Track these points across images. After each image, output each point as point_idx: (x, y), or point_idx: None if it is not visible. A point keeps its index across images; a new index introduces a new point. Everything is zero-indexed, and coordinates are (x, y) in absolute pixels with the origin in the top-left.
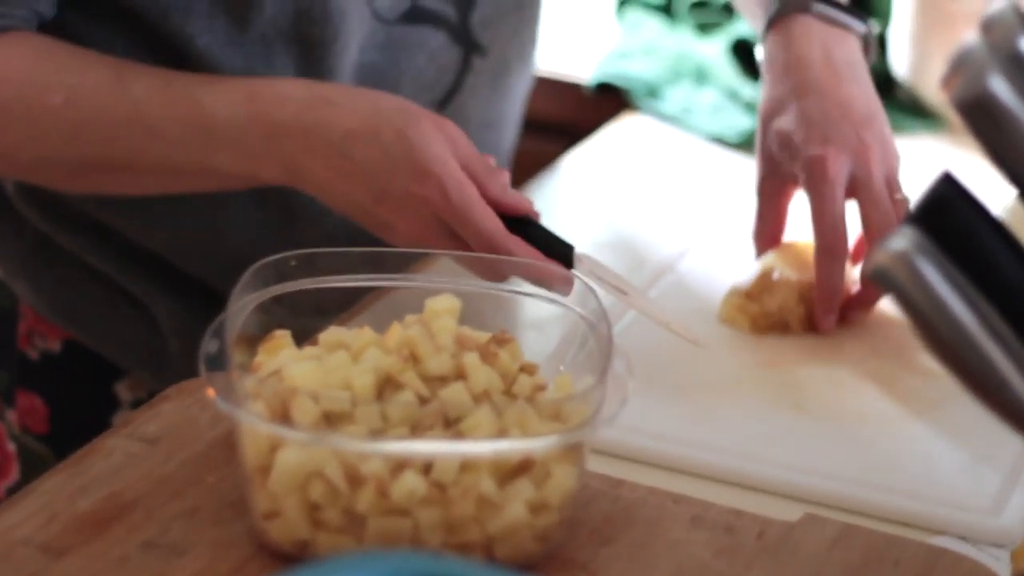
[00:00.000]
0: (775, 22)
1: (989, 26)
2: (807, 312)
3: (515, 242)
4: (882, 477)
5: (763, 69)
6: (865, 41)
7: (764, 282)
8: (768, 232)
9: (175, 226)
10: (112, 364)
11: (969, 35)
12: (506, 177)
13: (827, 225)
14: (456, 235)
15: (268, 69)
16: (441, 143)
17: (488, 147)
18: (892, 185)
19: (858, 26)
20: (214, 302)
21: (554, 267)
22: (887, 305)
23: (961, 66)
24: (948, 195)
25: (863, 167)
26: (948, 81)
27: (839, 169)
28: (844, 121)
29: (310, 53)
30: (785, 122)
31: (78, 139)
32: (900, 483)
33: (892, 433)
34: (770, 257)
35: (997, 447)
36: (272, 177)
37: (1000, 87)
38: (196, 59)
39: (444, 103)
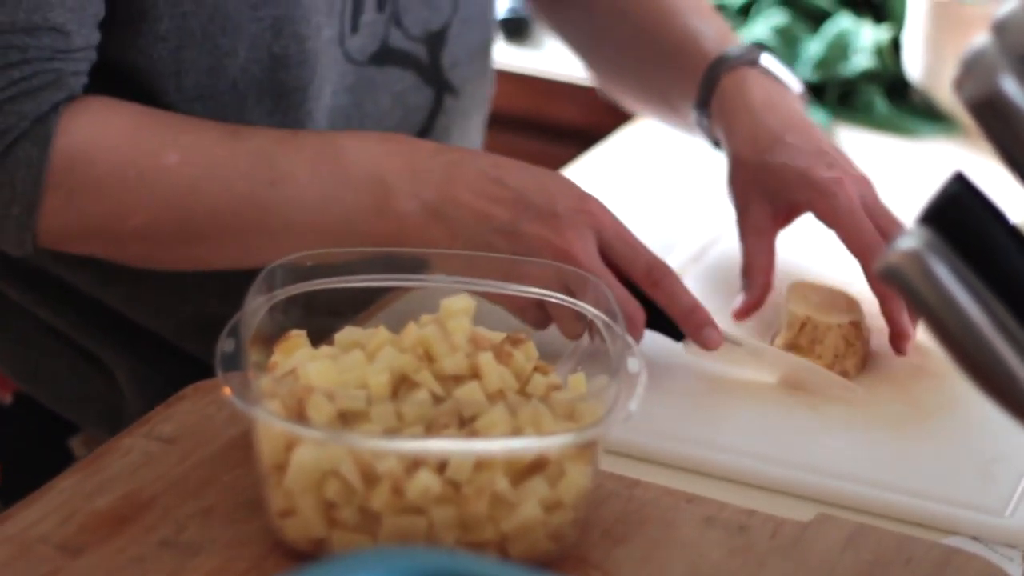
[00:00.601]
0: (724, 75)
1: (1001, 27)
2: (862, 354)
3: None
4: (895, 477)
5: (721, 114)
6: (802, 100)
7: (808, 333)
8: (763, 266)
9: (133, 279)
10: (65, 418)
11: (980, 36)
12: None
13: (866, 233)
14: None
15: (240, 120)
16: None
17: None
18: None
19: (796, 85)
20: (175, 358)
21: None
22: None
23: (972, 66)
24: (959, 194)
25: (869, 193)
26: (959, 81)
27: (854, 190)
28: (835, 152)
29: (285, 99)
30: (781, 155)
31: (196, 196)
32: (912, 483)
33: (905, 434)
34: (793, 305)
35: (1010, 447)
36: (402, 211)
37: (1011, 87)
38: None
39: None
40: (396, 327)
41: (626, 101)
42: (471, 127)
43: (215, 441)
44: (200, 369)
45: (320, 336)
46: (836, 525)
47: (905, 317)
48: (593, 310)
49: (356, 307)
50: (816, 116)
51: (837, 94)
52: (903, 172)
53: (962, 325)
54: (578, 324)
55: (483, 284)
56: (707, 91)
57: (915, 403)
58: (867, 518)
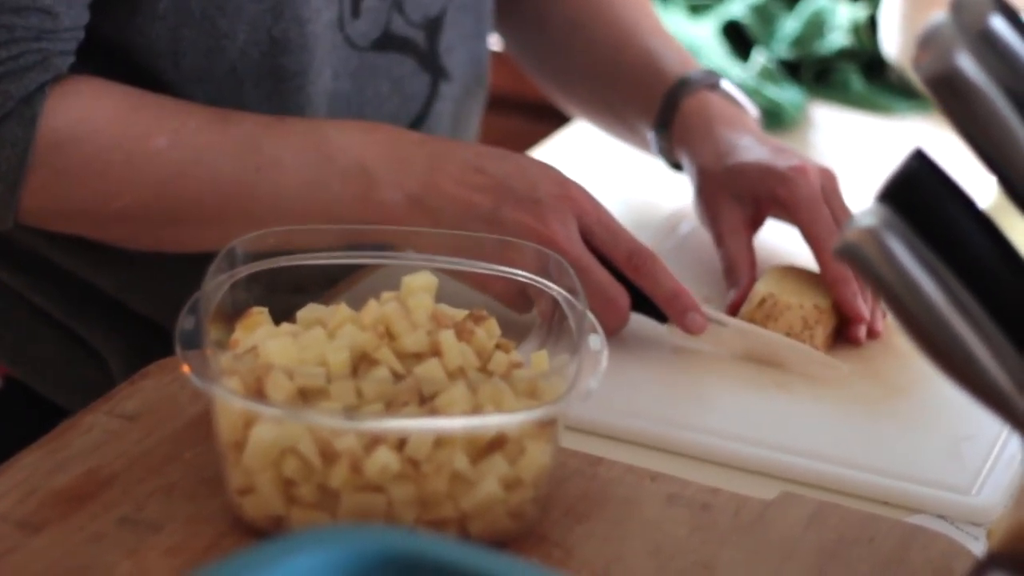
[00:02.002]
0: (686, 98)
1: (959, 4)
2: (823, 337)
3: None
4: (862, 455)
5: (685, 134)
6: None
7: (766, 309)
8: (744, 263)
9: (127, 264)
10: (56, 404)
11: (938, 13)
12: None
13: (823, 220)
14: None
15: (238, 104)
16: None
17: None
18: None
19: (753, 110)
20: (169, 345)
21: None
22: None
23: (929, 43)
24: (918, 172)
25: (830, 183)
26: (917, 58)
27: (816, 179)
28: (795, 152)
29: (283, 84)
30: (742, 156)
31: (182, 180)
32: (879, 461)
33: (873, 412)
34: (762, 284)
35: (977, 426)
36: (386, 201)
37: (967, 64)
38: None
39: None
40: (360, 306)
41: (579, 116)
42: (467, 113)
43: (178, 419)
44: None
45: (284, 314)
46: (799, 503)
47: (859, 302)
48: (555, 287)
49: (320, 285)
50: (792, 94)
51: (813, 72)
52: (879, 150)
53: (919, 304)
54: (555, 305)
55: (450, 262)
56: (668, 113)
57: (883, 381)
58: (833, 496)
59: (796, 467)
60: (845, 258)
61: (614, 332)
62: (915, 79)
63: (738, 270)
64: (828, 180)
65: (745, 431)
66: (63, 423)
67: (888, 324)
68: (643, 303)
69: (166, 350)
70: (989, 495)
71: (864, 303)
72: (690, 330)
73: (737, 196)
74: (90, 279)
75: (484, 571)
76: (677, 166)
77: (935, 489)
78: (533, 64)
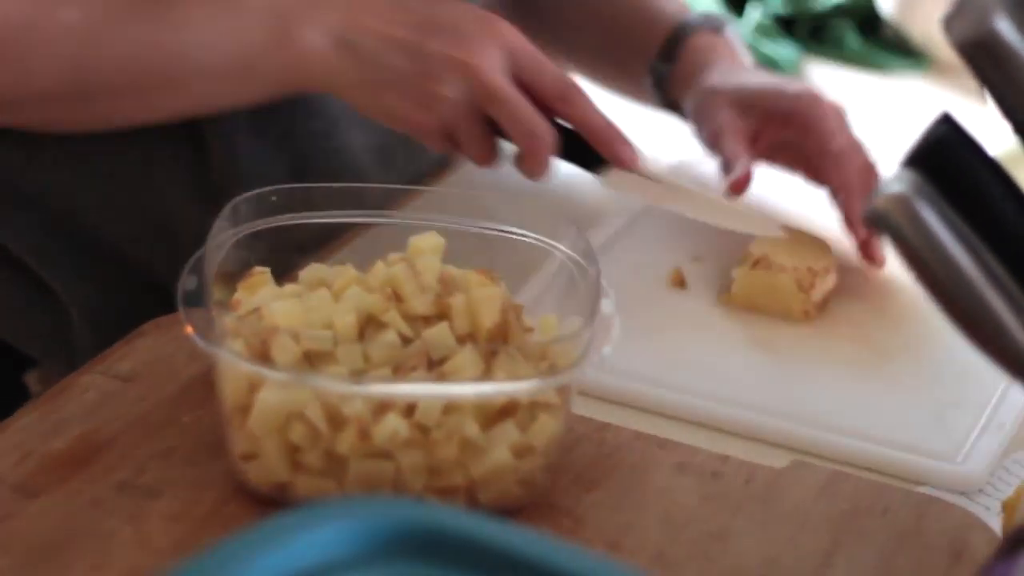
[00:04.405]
0: (692, 35)
1: None
2: (817, 299)
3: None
4: (844, 420)
5: (691, 64)
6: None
7: (760, 270)
8: (740, 151)
9: (109, 176)
10: (21, 353)
11: None
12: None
13: (841, 133)
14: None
15: None
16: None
17: None
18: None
19: (748, 58)
20: (133, 290)
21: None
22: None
23: (964, 5)
24: (947, 137)
25: (842, 117)
26: (949, 20)
27: (830, 107)
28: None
29: None
30: (756, 79)
31: (98, 50)
32: (861, 427)
33: (857, 377)
34: (757, 246)
35: (961, 394)
36: (306, 41)
37: (1005, 27)
38: None
39: None
40: (361, 263)
41: (573, 67)
42: None
43: (175, 380)
44: (159, 305)
45: (284, 272)
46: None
47: (854, 177)
48: (566, 250)
49: (321, 242)
50: (787, 50)
51: (808, 28)
52: (874, 107)
53: (950, 272)
54: (490, 152)
55: (454, 221)
56: (673, 48)
57: (873, 347)
58: (810, 459)
59: (772, 428)
60: (874, 225)
61: (539, 174)
62: (917, 36)
63: (734, 158)
64: (839, 111)
65: (749, 398)
66: (57, 384)
67: (880, 288)
68: (572, 151)
69: (132, 294)
70: (975, 463)
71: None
72: (621, 162)
73: (745, 110)
74: (68, 204)
75: (503, 546)
76: (670, 106)
77: (919, 455)
78: (529, 14)
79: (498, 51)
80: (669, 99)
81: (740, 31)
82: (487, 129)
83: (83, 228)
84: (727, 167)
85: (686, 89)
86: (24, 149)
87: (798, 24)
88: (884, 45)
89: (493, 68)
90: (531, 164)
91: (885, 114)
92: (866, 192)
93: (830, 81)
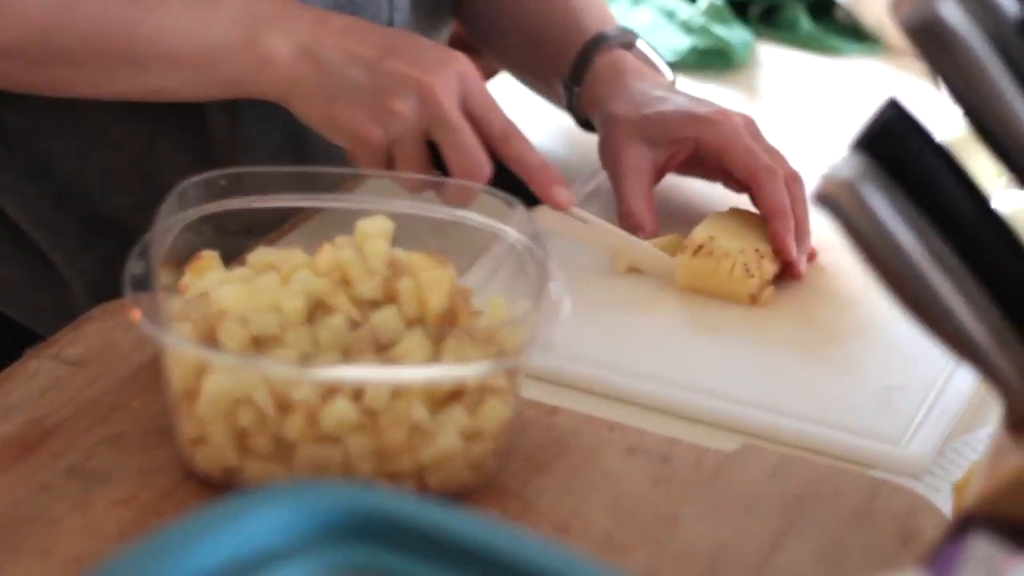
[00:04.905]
0: (600, 54)
1: None
2: (764, 281)
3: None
4: (790, 403)
5: (596, 86)
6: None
7: (704, 254)
8: (640, 209)
9: (113, 146)
10: (22, 328)
11: None
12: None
13: (755, 154)
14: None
15: None
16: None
17: None
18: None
19: (667, 71)
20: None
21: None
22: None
23: None
24: (894, 121)
25: (753, 127)
26: (897, 4)
27: (739, 121)
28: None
29: None
30: (660, 106)
31: (70, 14)
32: (807, 410)
33: (802, 360)
34: (702, 229)
35: (905, 377)
36: (271, 47)
37: (950, 11)
38: None
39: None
40: (310, 246)
41: (507, 71)
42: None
43: (124, 365)
44: None
45: (233, 256)
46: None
47: (790, 239)
48: (515, 233)
49: (270, 226)
50: (740, 33)
51: (760, 11)
52: (827, 91)
53: (897, 256)
54: (421, 182)
55: (403, 205)
56: (581, 68)
57: (818, 329)
58: (757, 442)
59: (720, 412)
60: (822, 209)
61: (464, 205)
62: (870, 19)
63: (636, 216)
64: (750, 124)
65: (697, 382)
66: (5, 369)
67: (826, 271)
68: (509, 188)
69: None
70: (920, 447)
71: (794, 242)
72: (555, 203)
73: (651, 141)
74: (75, 172)
75: (447, 530)
76: (585, 124)
77: (865, 439)
78: (466, 16)
79: (455, 79)
80: (583, 119)
81: (693, 14)
82: (426, 153)
83: (87, 198)
84: (627, 217)
85: (592, 110)
86: (31, 115)
87: (751, 7)
88: (836, 28)
89: (449, 94)
90: (461, 195)
91: (838, 97)
92: (794, 209)
93: (783, 64)
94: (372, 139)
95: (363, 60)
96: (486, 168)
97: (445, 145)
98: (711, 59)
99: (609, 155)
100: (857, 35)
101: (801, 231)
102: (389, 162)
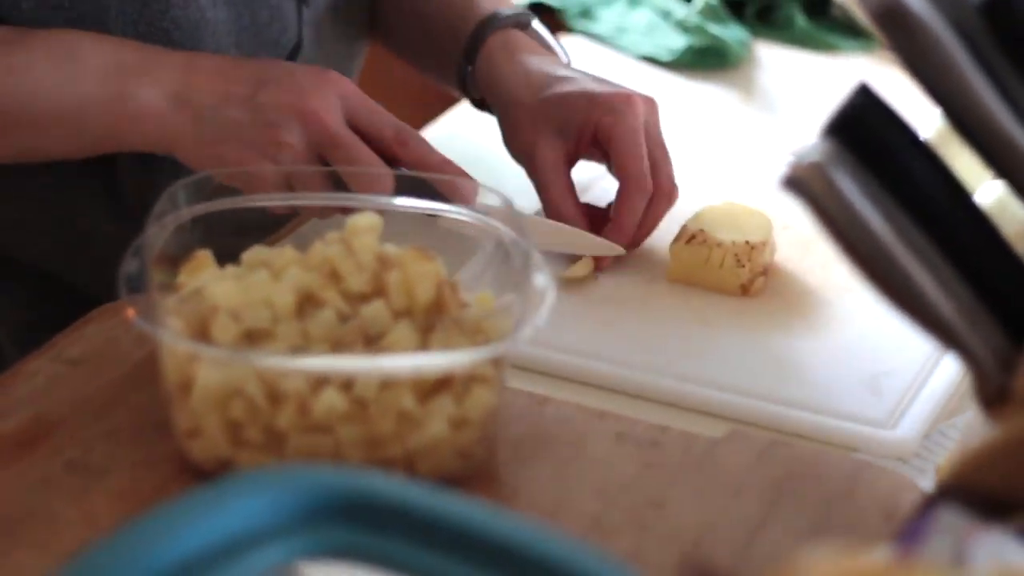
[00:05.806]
0: (493, 33)
1: None
2: (756, 272)
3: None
4: (778, 389)
5: (489, 67)
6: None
7: (695, 245)
8: (571, 208)
9: (19, 196)
10: None
11: None
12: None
13: (638, 160)
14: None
15: (102, 28)
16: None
17: None
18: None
19: (564, 55)
20: (59, 304)
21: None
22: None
23: None
24: (864, 106)
25: (653, 117)
26: None
27: (642, 110)
28: (615, 82)
29: (149, 7)
30: (561, 87)
31: None
32: (795, 395)
33: (789, 346)
34: (694, 221)
35: (892, 361)
36: (143, 98)
37: None
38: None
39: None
40: (305, 248)
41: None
42: (340, 37)
43: (122, 363)
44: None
45: (227, 256)
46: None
47: (631, 217)
48: (501, 226)
49: (264, 226)
50: (736, 32)
51: (756, 9)
52: (823, 88)
53: (866, 237)
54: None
55: (398, 204)
56: (474, 46)
57: (801, 317)
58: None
59: (711, 400)
60: (792, 192)
61: (470, 201)
62: (859, 14)
63: (565, 215)
64: (651, 111)
65: (684, 370)
66: (7, 370)
67: (815, 263)
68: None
69: (57, 309)
70: (907, 430)
71: (633, 225)
72: (463, 199)
73: (558, 129)
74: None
75: (434, 511)
76: (479, 104)
77: (853, 423)
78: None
79: (333, 98)
80: (476, 99)
81: (688, 13)
82: (326, 177)
83: (1, 246)
84: (555, 217)
85: (488, 90)
86: None
87: (747, 5)
88: (832, 26)
89: (333, 114)
90: (462, 195)
91: (833, 94)
92: (641, 222)
93: (779, 62)
94: (266, 177)
95: (239, 97)
96: (387, 179)
97: (340, 165)
98: (708, 58)
99: (520, 147)
100: (853, 32)
101: (639, 238)
102: (292, 191)
